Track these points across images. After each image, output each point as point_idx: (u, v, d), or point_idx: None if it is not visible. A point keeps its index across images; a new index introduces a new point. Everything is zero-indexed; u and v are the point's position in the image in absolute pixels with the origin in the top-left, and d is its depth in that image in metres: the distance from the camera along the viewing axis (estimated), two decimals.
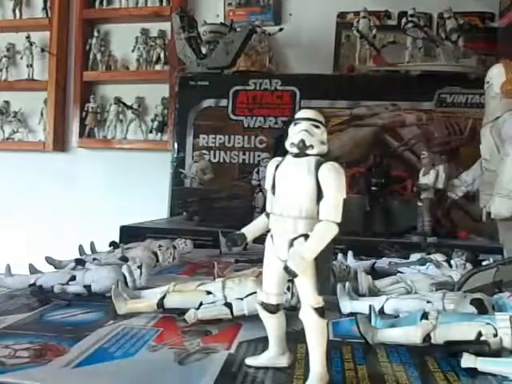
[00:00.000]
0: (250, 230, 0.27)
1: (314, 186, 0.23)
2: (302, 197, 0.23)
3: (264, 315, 0.28)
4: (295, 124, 0.24)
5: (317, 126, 0.24)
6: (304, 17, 1.48)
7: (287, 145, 0.24)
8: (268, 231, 0.26)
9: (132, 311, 0.41)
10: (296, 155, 0.24)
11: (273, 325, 0.29)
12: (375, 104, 1.16)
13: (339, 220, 0.23)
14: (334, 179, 0.23)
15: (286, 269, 0.24)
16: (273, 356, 0.30)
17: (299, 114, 0.24)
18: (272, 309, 0.27)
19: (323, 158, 0.24)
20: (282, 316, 0.28)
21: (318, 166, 0.23)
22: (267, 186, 0.26)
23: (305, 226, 0.24)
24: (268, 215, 0.26)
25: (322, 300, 0.26)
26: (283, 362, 0.30)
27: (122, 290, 0.43)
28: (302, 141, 0.23)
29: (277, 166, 0.25)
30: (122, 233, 0.93)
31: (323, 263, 0.24)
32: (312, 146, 0.24)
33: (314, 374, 0.26)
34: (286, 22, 1.50)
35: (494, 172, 0.70)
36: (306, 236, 0.24)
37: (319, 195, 0.23)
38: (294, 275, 0.24)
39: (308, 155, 0.24)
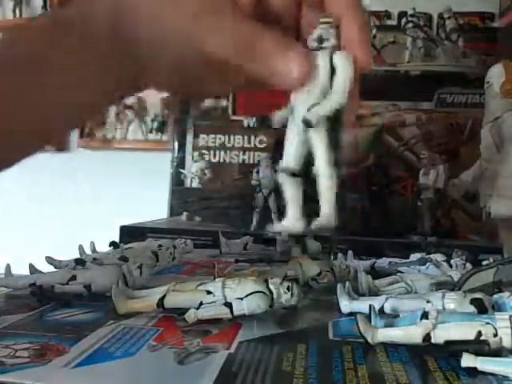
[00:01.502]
0: (278, 117, 0.32)
1: (328, 68, 0.29)
2: (319, 76, 0.29)
3: (285, 178, 0.31)
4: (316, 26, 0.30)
5: (332, 27, 0.30)
6: None
7: (309, 41, 0.30)
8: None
9: (132, 311, 0.41)
10: (316, 48, 0.30)
11: (291, 187, 0.31)
12: (375, 104, 1.16)
13: (346, 90, 0.29)
14: (344, 62, 0.29)
15: (305, 121, 0.29)
16: (289, 219, 0.32)
17: (320, 19, 0.30)
18: (292, 173, 0.31)
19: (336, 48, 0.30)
20: (299, 181, 0.31)
21: (332, 53, 0.30)
22: None
23: (320, 97, 0.29)
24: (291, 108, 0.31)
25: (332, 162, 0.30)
26: (299, 225, 0.32)
27: (122, 290, 0.43)
28: (321, 35, 0.30)
29: None
30: (122, 233, 0.93)
31: (335, 138, 0.30)
32: (328, 39, 0.30)
33: (323, 213, 0.30)
34: None
35: (493, 172, 0.70)
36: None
37: (332, 73, 0.29)
38: (310, 125, 0.29)
39: (324, 47, 0.30)
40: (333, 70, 0.29)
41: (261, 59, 0.28)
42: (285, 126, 0.32)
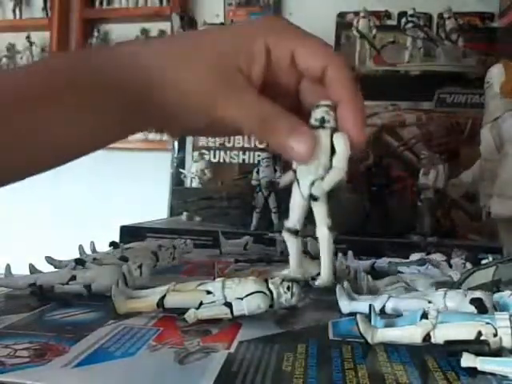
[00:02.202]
0: (283, 181, 0.37)
1: (329, 146, 0.34)
2: (320, 153, 0.34)
3: (288, 237, 0.37)
4: (318, 107, 0.35)
5: (332, 110, 0.35)
6: (304, 17, 1.48)
7: (311, 120, 0.35)
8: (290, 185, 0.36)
9: (132, 311, 0.41)
10: (317, 127, 0.35)
11: (294, 244, 0.38)
12: (375, 104, 1.16)
13: (345, 167, 0.34)
14: (343, 142, 0.34)
15: (311, 195, 0.35)
16: (291, 269, 0.39)
17: (322, 101, 0.35)
18: (295, 232, 0.37)
19: (335, 129, 0.35)
20: (300, 239, 0.38)
21: (332, 133, 0.35)
22: None
23: (322, 171, 0.35)
24: (294, 171, 0.36)
25: (330, 221, 0.36)
26: (298, 274, 0.39)
27: (122, 290, 0.43)
28: (323, 117, 0.35)
29: None
30: (122, 233, 0.93)
31: (333, 197, 0.36)
32: (329, 121, 0.35)
33: (323, 274, 0.37)
34: None
35: (493, 172, 0.70)
36: (322, 178, 0.35)
37: (332, 152, 0.34)
38: (316, 199, 0.35)
39: (326, 128, 0.35)
40: (332, 148, 0.34)
41: (275, 137, 0.34)
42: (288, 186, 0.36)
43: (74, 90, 0.31)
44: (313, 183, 0.35)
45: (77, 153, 0.35)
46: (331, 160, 0.35)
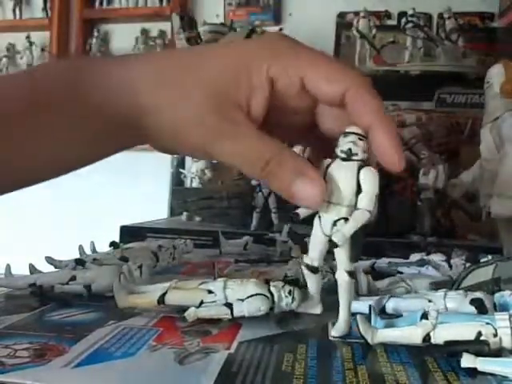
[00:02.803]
0: (303, 211, 0.34)
1: (355, 183, 0.32)
2: (344, 192, 0.32)
3: (308, 274, 0.36)
4: (345, 136, 0.32)
5: (361, 139, 0.32)
6: (304, 17, 1.48)
7: (337, 151, 0.32)
8: (313, 214, 0.34)
9: (132, 306, 0.41)
10: (343, 159, 0.32)
11: (314, 281, 0.37)
12: None
13: (371, 209, 0.32)
14: (370, 179, 0.32)
15: (331, 241, 0.33)
16: (310, 304, 0.38)
17: (349, 129, 0.32)
18: (314, 270, 0.36)
19: (364, 163, 0.32)
20: (320, 275, 0.37)
21: (359, 168, 0.32)
22: None
23: (346, 212, 0.32)
24: None
25: (352, 266, 0.35)
26: (317, 310, 0.39)
27: (124, 285, 0.43)
28: (350, 149, 0.32)
29: (327, 166, 0.33)
30: (122, 233, 0.93)
31: (356, 240, 0.33)
32: (356, 154, 0.32)
33: (341, 319, 0.36)
34: (285, 22, 1.51)
35: (493, 172, 0.70)
36: (346, 219, 0.32)
37: (358, 190, 0.32)
38: (336, 246, 0.33)
39: (353, 160, 0.32)
40: (358, 183, 0.32)
41: (277, 180, 0.31)
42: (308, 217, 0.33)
43: (75, 98, 0.31)
44: (335, 223, 0.33)
45: (78, 160, 0.35)
46: (357, 196, 0.32)
